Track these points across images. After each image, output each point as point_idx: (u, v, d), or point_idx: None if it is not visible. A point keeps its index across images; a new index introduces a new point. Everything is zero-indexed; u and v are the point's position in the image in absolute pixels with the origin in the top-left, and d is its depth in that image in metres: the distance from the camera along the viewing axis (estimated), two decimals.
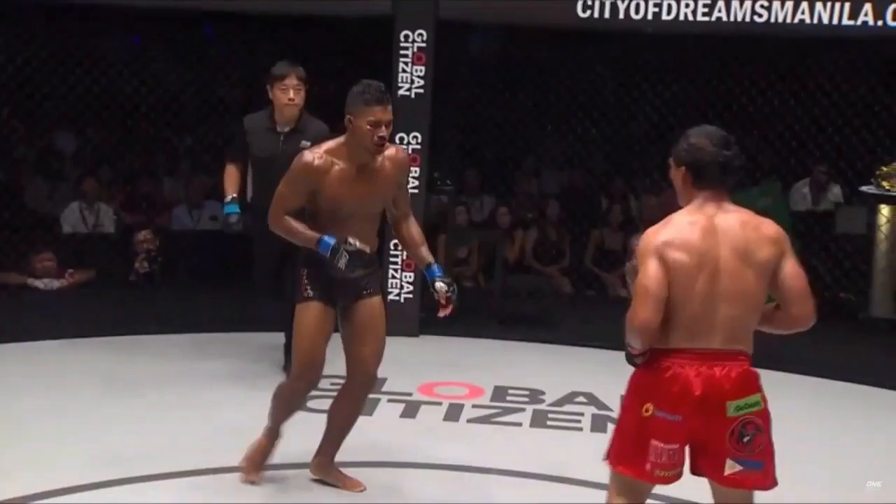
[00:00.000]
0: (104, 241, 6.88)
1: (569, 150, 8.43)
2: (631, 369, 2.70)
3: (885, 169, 6.85)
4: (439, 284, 3.51)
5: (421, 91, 6.06)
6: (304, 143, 5.05)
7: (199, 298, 6.58)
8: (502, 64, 7.38)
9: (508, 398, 5.12)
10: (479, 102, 7.04)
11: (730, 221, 2.61)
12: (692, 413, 2.54)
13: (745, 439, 2.57)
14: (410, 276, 6.11)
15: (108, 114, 7.12)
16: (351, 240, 3.44)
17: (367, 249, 3.51)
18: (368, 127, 3.35)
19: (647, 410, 2.57)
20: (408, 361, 5.31)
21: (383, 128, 3.36)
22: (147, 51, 7.12)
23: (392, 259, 6.11)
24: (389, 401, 4.84)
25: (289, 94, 5.05)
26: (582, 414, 4.88)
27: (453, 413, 4.83)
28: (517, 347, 6.14)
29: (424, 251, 3.66)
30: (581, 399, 5.07)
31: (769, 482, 2.68)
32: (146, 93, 6.74)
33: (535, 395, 5.14)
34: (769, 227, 2.64)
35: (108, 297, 6.53)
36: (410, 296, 6.13)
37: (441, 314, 3.54)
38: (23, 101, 6.79)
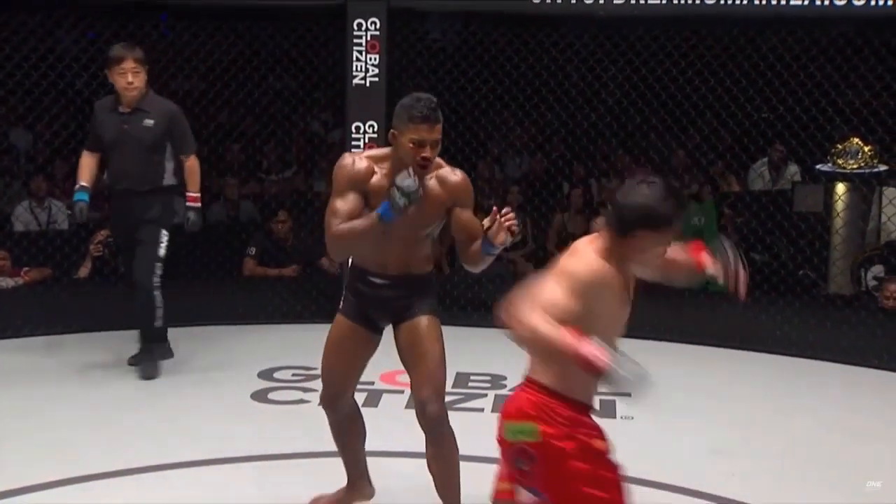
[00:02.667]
0: (59, 238, 6.78)
1: (524, 137, 8.45)
2: None
3: (838, 147, 6.94)
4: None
5: (376, 80, 6.06)
6: (148, 121, 5.04)
7: None
8: (459, 51, 7.36)
9: (470, 384, 5.13)
10: (434, 90, 7.01)
11: None
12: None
13: (522, 466, 2.49)
14: None
15: (60, 109, 7.01)
16: (397, 180, 3.00)
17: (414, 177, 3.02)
18: (411, 145, 3.02)
19: None
20: None
21: (428, 148, 3.02)
22: (101, 45, 7.01)
23: None
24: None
25: (127, 77, 4.95)
26: None
27: None
28: (479, 333, 6.13)
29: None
30: None
31: None
32: (97, 86, 6.62)
33: (496, 381, 5.16)
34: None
35: (64, 295, 6.45)
36: None
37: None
38: None
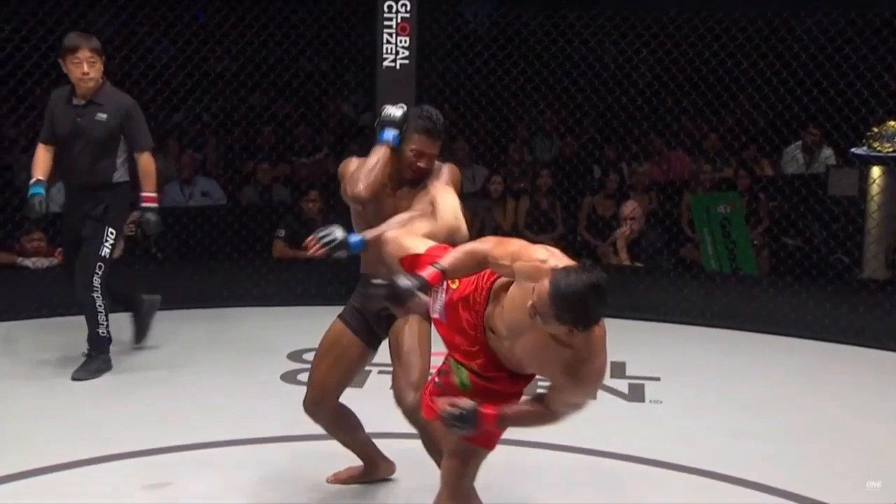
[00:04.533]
0: None
1: (555, 120, 8.41)
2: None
3: (875, 130, 6.84)
4: None
5: (406, 62, 6.04)
6: (101, 115, 4.83)
7: (188, 274, 6.59)
8: (490, 33, 7.34)
9: None
10: (465, 73, 7.01)
11: None
12: None
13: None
14: None
15: None
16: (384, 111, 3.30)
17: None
18: (411, 153, 3.26)
19: None
20: None
21: (425, 159, 3.26)
22: (135, 27, 7.06)
23: None
24: (379, 372, 4.85)
25: (82, 67, 4.75)
26: None
27: None
28: None
29: None
30: None
31: None
32: (129, 68, 6.68)
33: None
34: None
35: None
36: None
37: None
38: (9, 80, 6.72)
